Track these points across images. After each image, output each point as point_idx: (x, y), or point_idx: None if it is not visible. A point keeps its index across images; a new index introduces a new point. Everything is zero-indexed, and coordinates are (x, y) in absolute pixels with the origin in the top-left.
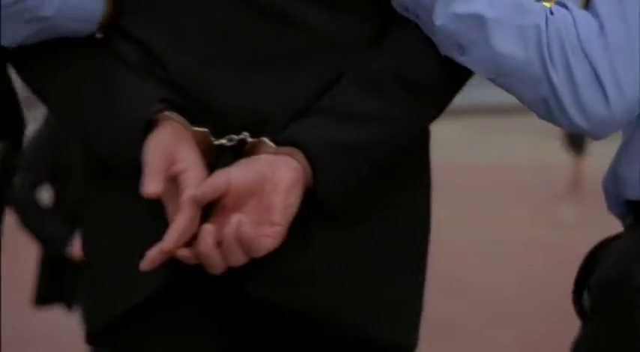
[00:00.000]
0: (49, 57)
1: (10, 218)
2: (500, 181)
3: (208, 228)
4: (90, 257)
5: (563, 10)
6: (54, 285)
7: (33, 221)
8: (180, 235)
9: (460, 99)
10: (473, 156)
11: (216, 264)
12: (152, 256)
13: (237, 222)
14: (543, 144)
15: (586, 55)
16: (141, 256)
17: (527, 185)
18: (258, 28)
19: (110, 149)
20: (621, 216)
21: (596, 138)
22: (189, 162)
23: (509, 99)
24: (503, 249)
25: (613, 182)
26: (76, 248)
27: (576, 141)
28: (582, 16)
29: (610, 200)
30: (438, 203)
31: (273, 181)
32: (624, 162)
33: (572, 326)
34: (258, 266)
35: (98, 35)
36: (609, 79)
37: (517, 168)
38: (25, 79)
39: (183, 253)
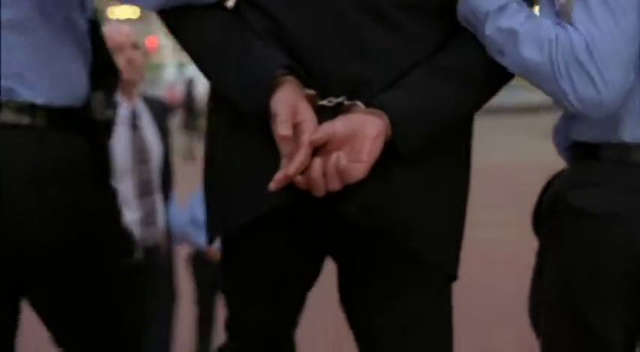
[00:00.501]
0: (197, 21)
1: None
2: (500, 181)
3: (318, 161)
4: (222, 178)
5: (563, 32)
6: None
7: None
8: (300, 166)
9: None
10: (473, 156)
11: (320, 187)
12: (279, 179)
13: (337, 157)
14: (544, 144)
15: (579, 63)
16: (265, 178)
17: (528, 185)
18: (364, 20)
19: (245, 99)
20: (568, 159)
21: (594, 117)
22: (307, 115)
23: (510, 100)
24: (503, 248)
25: (561, 131)
26: None
27: None
28: (574, 33)
29: (560, 147)
30: None
31: (363, 133)
32: (564, 115)
33: None
34: (351, 195)
35: (230, 3)
36: (598, 78)
37: (517, 168)
38: (179, 41)
39: (299, 179)
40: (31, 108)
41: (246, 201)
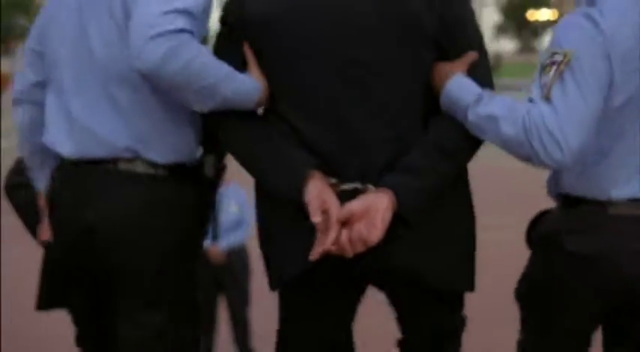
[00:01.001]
0: (239, 133)
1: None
2: (500, 183)
3: (345, 233)
4: (271, 246)
5: (535, 108)
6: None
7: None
8: (334, 240)
9: None
10: (477, 158)
11: (349, 252)
12: (318, 252)
13: (359, 229)
14: None
15: (549, 132)
16: (303, 245)
17: (527, 186)
18: (361, 119)
19: (282, 191)
20: (557, 203)
21: (560, 170)
22: (332, 202)
23: None
24: (503, 250)
25: (551, 182)
26: None
27: None
28: (545, 107)
29: (551, 193)
30: None
31: (376, 207)
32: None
33: None
34: (372, 255)
35: (259, 111)
36: (564, 144)
37: (520, 170)
38: (224, 144)
39: (333, 248)
40: (154, 164)
41: (296, 258)
